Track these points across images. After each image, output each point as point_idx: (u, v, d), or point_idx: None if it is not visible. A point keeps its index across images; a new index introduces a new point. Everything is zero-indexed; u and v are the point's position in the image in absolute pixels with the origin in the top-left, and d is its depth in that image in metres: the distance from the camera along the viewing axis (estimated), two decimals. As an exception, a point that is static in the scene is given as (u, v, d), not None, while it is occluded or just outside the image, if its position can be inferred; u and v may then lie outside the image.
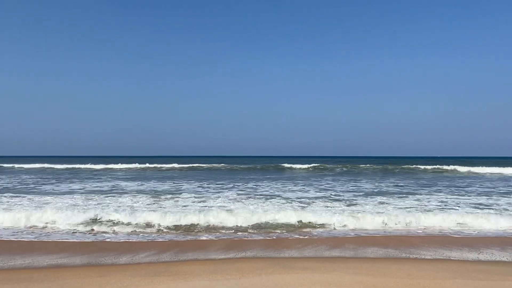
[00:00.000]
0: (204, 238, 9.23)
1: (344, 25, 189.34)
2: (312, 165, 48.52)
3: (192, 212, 11.46)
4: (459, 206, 13.77)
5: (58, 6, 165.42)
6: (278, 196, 16.94)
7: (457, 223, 10.76)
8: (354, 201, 15.00)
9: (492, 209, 13.27)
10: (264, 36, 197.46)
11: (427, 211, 12.22)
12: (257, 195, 17.35)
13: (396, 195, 17.12)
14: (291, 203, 14.44)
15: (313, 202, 14.78)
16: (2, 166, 49.21)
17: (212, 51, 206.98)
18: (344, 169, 44.41)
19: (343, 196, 17.10)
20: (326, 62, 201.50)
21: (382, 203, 14.48)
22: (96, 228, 10.16)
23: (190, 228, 10.30)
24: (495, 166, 42.73)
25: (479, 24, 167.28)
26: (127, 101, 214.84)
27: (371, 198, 16.20)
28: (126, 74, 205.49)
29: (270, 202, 14.59)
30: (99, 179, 28.34)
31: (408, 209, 12.77)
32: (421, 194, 17.53)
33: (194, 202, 14.63)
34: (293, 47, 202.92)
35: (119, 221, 10.63)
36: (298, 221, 10.87)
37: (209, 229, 10.24)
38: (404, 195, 17.17)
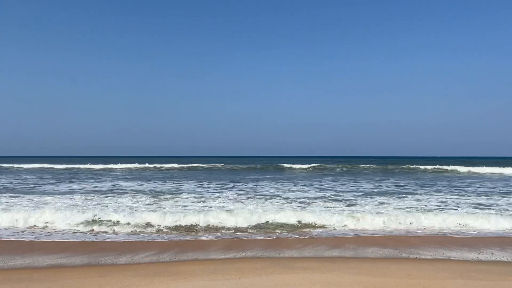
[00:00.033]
0: (204, 238, 9.23)
1: (344, 25, 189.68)
2: (312, 165, 48.57)
3: (192, 212, 11.46)
4: (459, 206, 13.78)
5: (58, 6, 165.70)
6: (278, 196, 16.94)
7: (457, 223, 10.76)
8: (354, 201, 15.01)
9: (492, 209, 13.28)
10: (264, 36, 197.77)
11: (427, 211, 12.22)
12: (257, 195, 17.35)
13: (396, 195, 17.12)
14: (291, 203, 14.44)
15: (313, 202, 14.78)
16: (2, 166, 49.19)
17: (212, 51, 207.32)
18: (344, 169, 44.43)
19: (343, 196, 17.10)
20: (326, 62, 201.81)
21: (382, 203, 14.49)
22: (96, 228, 10.15)
23: (190, 228, 10.29)
24: (495, 166, 42.80)
25: (479, 24, 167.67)
26: (127, 101, 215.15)
27: (371, 198, 16.21)
28: (126, 74, 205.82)
29: (270, 202, 14.60)
30: (99, 179, 28.34)
31: (408, 209, 12.77)
32: (421, 194, 17.53)
33: (194, 202, 14.63)
34: (293, 47, 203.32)
35: (119, 221, 10.63)
36: (298, 221, 10.87)
37: (209, 229, 10.24)
38: (404, 195, 17.17)
